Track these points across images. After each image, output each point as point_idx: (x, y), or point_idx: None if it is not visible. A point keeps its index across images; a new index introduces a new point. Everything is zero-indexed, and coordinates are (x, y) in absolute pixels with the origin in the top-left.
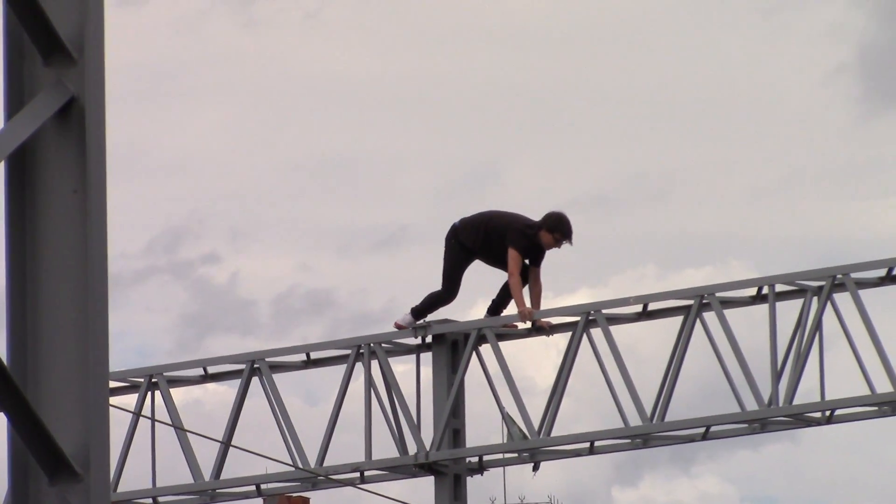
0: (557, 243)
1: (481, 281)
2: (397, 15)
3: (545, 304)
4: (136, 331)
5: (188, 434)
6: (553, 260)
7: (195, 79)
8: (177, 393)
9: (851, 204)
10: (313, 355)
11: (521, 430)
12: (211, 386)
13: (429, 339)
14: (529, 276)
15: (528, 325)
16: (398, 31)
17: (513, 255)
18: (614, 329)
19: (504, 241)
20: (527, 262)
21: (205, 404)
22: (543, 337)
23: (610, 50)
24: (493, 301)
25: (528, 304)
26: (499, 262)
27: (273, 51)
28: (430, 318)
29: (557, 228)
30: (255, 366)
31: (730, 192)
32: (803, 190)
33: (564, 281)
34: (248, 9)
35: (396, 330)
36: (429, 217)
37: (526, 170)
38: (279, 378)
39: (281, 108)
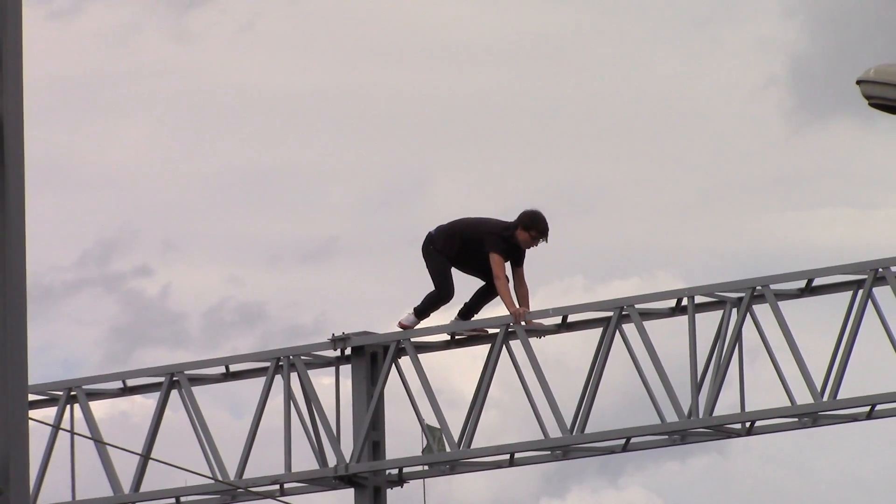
0: (534, 241)
1: (408, 290)
2: (327, 28)
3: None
4: (65, 343)
5: (108, 447)
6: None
7: (126, 91)
8: (103, 405)
9: (778, 216)
10: (233, 368)
11: (440, 440)
12: (138, 399)
13: (348, 351)
14: (514, 277)
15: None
16: (327, 45)
17: (495, 259)
18: (535, 341)
19: (482, 247)
20: (507, 264)
21: (131, 417)
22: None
23: (537, 63)
24: (466, 304)
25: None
26: (476, 269)
27: (204, 63)
28: (344, 330)
29: (533, 226)
30: (175, 378)
31: (657, 205)
32: (731, 202)
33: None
34: (181, 21)
35: (319, 343)
36: (357, 229)
37: (454, 182)
38: (206, 390)
39: (211, 121)
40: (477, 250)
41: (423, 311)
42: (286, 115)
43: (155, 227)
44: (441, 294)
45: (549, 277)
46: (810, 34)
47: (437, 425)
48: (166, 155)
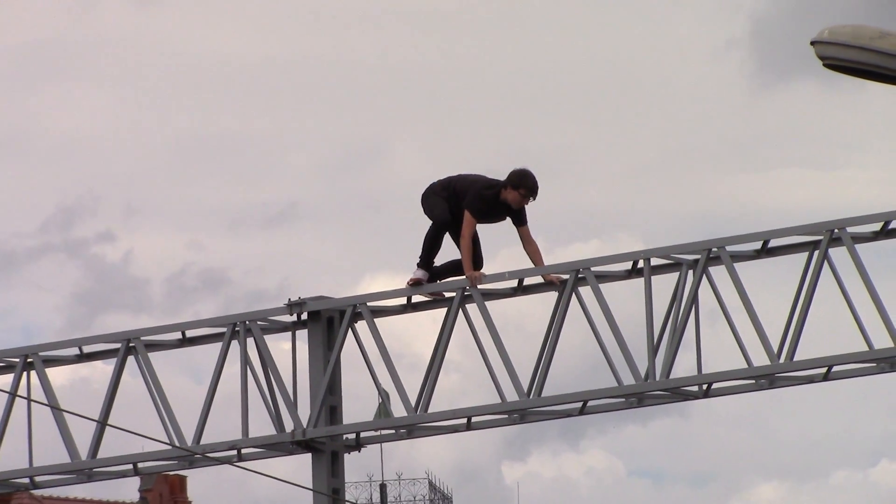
0: (524, 199)
1: (370, 253)
2: None
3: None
4: (26, 310)
5: (66, 414)
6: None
7: (89, 59)
8: (64, 372)
9: (737, 177)
10: (190, 333)
11: (384, 407)
12: (99, 365)
13: (305, 316)
14: (520, 237)
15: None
16: (286, 13)
17: (466, 217)
18: (491, 304)
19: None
20: (513, 225)
21: (92, 383)
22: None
23: (497, 29)
24: (434, 267)
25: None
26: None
27: (166, 32)
28: (306, 295)
29: (522, 184)
30: (131, 345)
31: (618, 168)
32: (691, 164)
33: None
34: None
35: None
36: (317, 194)
37: (413, 147)
38: (167, 356)
39: (172, 88)
40: (462, 206)
41: (426, 259)
42: (247, 82)
43: (117, 193)
44: (437, 222)
45: (508, 241)
46: None
47: (387, 391)
48: (127, 121)
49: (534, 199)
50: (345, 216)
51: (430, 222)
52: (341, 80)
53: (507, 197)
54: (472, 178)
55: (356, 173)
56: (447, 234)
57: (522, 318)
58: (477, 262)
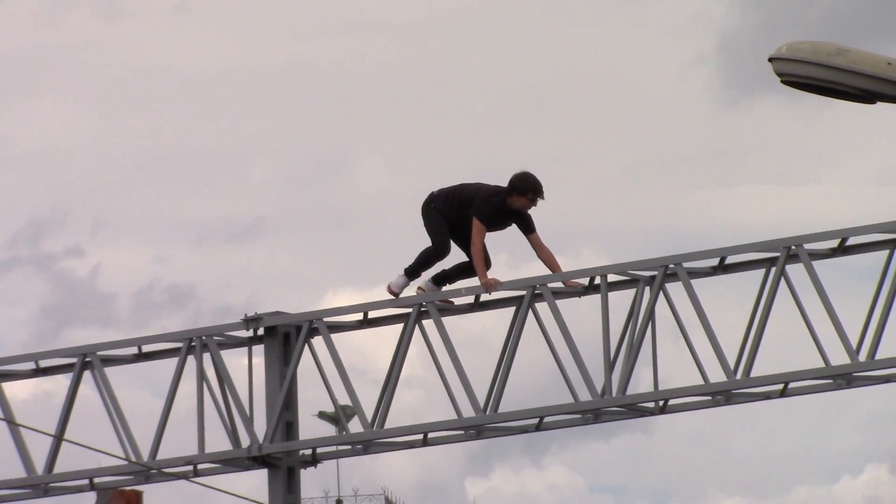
0: (532, 202)
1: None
2: (256, 9)
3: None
4: None
5: (22, 428)
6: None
7: (55, 70)
8: (26, 386)
9: (700, 193)
10: (146, 348)
11: (341, 421)
12: (61, 378)
13: (261, 331)
14: (531, 244)
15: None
16: (252, 25)
17: (475, 224)
18: (448, 320)
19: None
20: (519, 232)
21: (54, 397)
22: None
23: (463, 40)
24: (443, 271)
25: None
26: (466, 237)
27: (132, 45)
28: (262, 310)
29: (528, 188)
30: (87, 359)
31: (584, 182)
32: (656, 179)
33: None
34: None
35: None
36: (283, 208)
37: (376, 159)
38: (125, 370)
39: (139, 101)
40: (467, 212)
41: (414, 270)
42: (212, 95)
43: (85, 207)
44: (437, 249)
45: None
46: (739, 11)
47: (352, 406)
48: (94, 134)
49: (542, 199)
50: (310, 231)
51: (421, 225)
52: (305, 93)
53: (514, 203)
54: (477, 187)
55: (321, 187)
56: (452, 237)
57: (483, 334)
58: (457, 275)
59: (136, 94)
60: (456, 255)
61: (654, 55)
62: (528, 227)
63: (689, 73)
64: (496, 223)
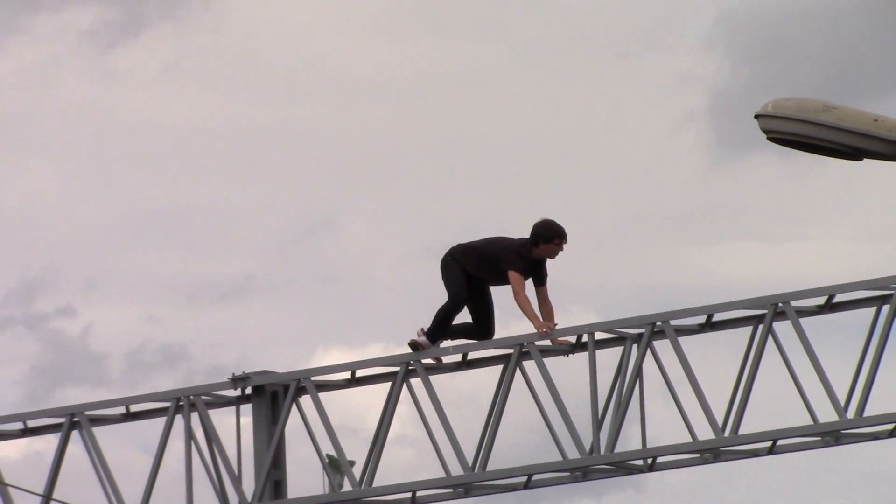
0: (559, 247)
1: (323, 327)
2: (246, 68)
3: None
4: None
5: (11, 489)
6: (403, 307)
7: (46, 130)
8: (18, 446)
9: (688, 250)
10: (134, 408)
11: (341, 477)
12: (52, 438)
13: (249, 390)
14: (538, 296)
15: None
16: (242, 83)
17: (514, 276)
18: (437, 378)
19: (498, 266)
20: (530, 283)
21: (46, 457)
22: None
23: (452, 98)
24: (467, 324)
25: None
26: (483, 311)
27: (123, 104)
28: (249, 370)
29: (554, 235)
30: (76, 419)
31: (573, 239)
32: (645, 236)
33: (401, 328)
34: (104, 60)
35: (214, 385)
36: (272, 266)
37: (365, 218)
38: (115, 429)
39: (128, 160)
40: (493, 267)
41: (435, 331)
42: (202, 153)
43: (77, 266)
44: (454, 302)
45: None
46: (731, 67)
47: (341, 464)
48: (85, 194)
49: (566, 243)
50: (300, 289)
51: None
52: (294, 151)
53: (541, 252)
54: (503, 242)
55: (310, 245)
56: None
57: (472, 392)
58: (488, 330)
59: (126, 152)
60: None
61: (644, 112)
62: (541, 280)
63: (679, 131)
64: (528, 274)
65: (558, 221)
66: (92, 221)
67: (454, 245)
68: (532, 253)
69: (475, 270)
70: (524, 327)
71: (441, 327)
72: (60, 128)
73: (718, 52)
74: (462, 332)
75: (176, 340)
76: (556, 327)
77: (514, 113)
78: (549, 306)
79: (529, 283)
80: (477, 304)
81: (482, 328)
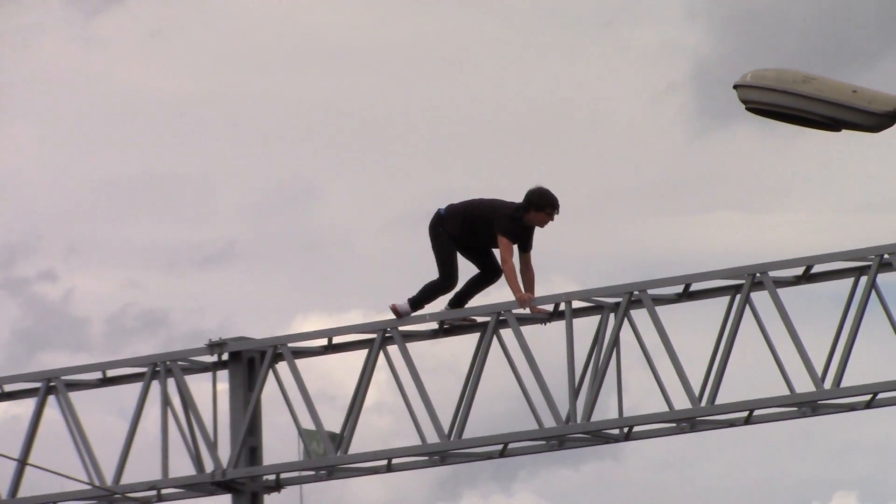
0: (550, 217)
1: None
2: (229, 36)
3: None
4: None
5: None
6: (383, 275)
7: (30, 95)
8: None
9: (668, 220)
10: (111, 373)
11: (319, 446)
12: (29, 402)
13: (226, 356)
14: (521, 262)
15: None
16: (223, 51)
17: (504, 242)
18: (417, 345)
19: (490, 228)
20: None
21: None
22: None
23: (432, 69)
24: (457, 294)
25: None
26: (479, 252)
27: (105, 70)
28: (226, 336)
29: (546, 203)
30: (52, 384)
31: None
32: (626, 206)
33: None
34: (87, 26)
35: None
36: (254, 233)
37: (346, 186)
38: (92, 394)
39: (111, 126)
40: (485, 231)
41: (419, 301)
42: (185, 120)
43: (58, 231)
44: (443, 283)
45: None
46: (713, 38)
47: (318, 432)
48: (67, 159)
49: (558, 214)
50: (280, 256)
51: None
52: (276, 119)
53: (532, 220)
54: (495, 204)
55: (291, 212)
56: (461, 253)
57: (452, 360)
58: (495, 271)
59: (109, 119)
60: (467, 271)
61: (627, 82)
62: (526, 246)
63: (662, 101)
64: (520, 240)
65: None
66: (74, 187)
67: (441, 208)
68: (523, 219)
69: (466, 235)
70: (504, 295)
71: (425, 301)
72: (44, 93)
73: (701, 23)
74: (473, 287)
75: (156, 306)
76: (535, 296)
77: (495, 82)
78: (532, 273)
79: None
80: (474, 254)
81: (487, 272)
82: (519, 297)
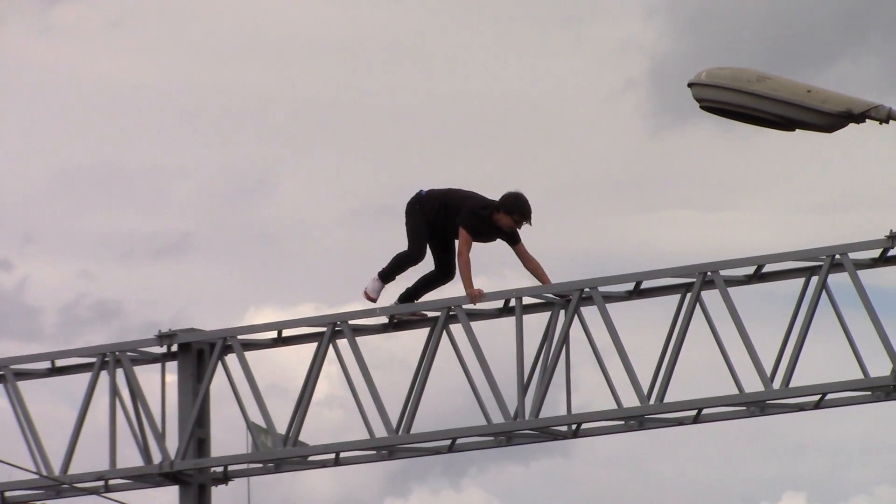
0: (517, 224)
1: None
2: (188, 27)
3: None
4: None
5: None
6: (336, 268)
7: None
8: None
9: (622, 218)
10: (60, 363)
11: (266, 440)
12: None
13: (175, 347)
14: (518, 255)
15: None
16: (181, 43)
17: (462, 234)
18: (369, 339)
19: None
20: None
21: None
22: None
23: (390, 62)
24: (408, 289)
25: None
26: (445, 247)
27: (62, 60)
28: (176, 328)
29: (516, 209)
30: (0, 373)
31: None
32: (580, 203)
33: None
34: (46, 15)
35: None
36: (209, 225)
37: (301, 179)
38: (42, 383)
39: (67, 116)
40: (453, 218)
41: (388, 273)
42: (140, 110)
43: (13, 220)
44: (412, 254)
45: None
46: (672, 36)
47: (265, 425)
48: (23, 148)
49: (528, 224)
50: (235, 248)
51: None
52: (232, 110)
53: (500, 221)
54: (467, 195)
55: (246, 204)
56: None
57: (404, 354)
58: (449, 271)
59: (66, 108)
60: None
61: (584, 79)
62: (513, 239)
63: (619, 98)
64: (482, 235)
65: (505, 190)
66: (30, 176)
67: (423, 190)
68: (492, 217)
69: (439, 220)
70: (456, 290)
71: (394, 272)
72: (1, 83)
73: (660, 21)
74: (425, 285)
75: (111, 297)
76: (485, 291)
77: (454, 77)
78: (534, 262)
79: (504, 245)
80: (438, 246)
81: (443, 271)
82: (470, 293)
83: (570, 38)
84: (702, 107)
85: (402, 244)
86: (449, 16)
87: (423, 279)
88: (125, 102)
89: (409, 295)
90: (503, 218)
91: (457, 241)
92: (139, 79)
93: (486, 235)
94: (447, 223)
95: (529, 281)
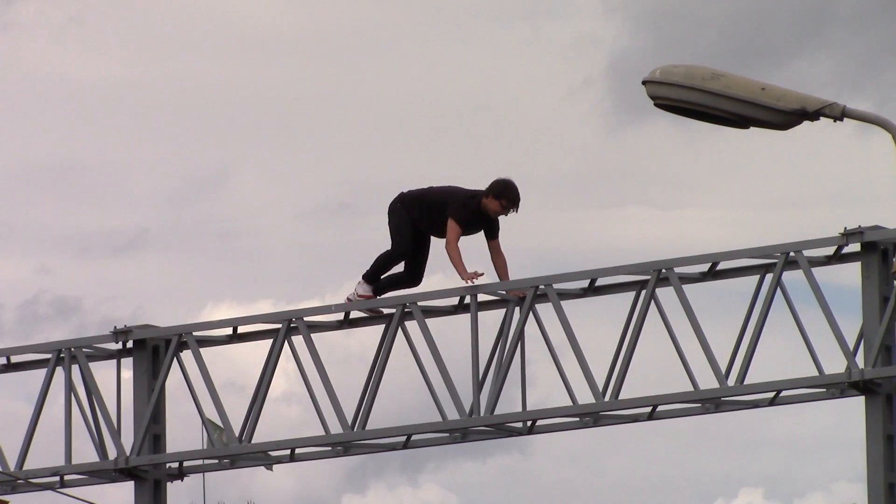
0: (504, 210)
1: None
2: (143, 23)
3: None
4: None
5: None
6: (294, 265)
7: None
8: None
9: (576, 214)
10: (15, 359)
11: (221, 437)
12: None
13: (130, 344)
14: (490, 249)
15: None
16: (136, 37)
17: (451, 225)
18: (325, 336)
19: (443, 214)
20: (484, 236)
21: None
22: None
23: (347, 57)
24: (395, 275)
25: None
26: (420, 251)
27: (15, 54)
28: (136, 324)
29: (504, 195)
30: None
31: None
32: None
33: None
34: (6, 10)
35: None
36: (166, 221)
37: (258, 175)
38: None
39: (21, 112)
40: (439, 215)
41: (373, 275)
42: (99, 106)
43: None
44: (396, 251)
45: (341, 278)
46: (630, 33)
47: (220, 423)
48: None
49: (515, 211)
50: (193, 244)
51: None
52: (190, 106)
53: (487, 206)
54: (450, 189)
55: (204, 201)
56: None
57: (360, 350)
58: (417, 276)
59: (24, 104)
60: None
61: (542, 76)
62: (492, 233)
63: (577, 95)
64: (471, 226)
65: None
66: None
67: (404, 190)
68: (480, 204)
69: (423, 219)
70: (438, 283)
71: (379, 272)
72: None
73: (619, 17)
74: (391, 284)
75: (69, 293)
76: (436, 289)
77: (412, 73)
78: (503, 258)
79: (481, 237)
80: (414, 249)
81: (411, 275)
82: (465, 278)
83: (528, 34)
84: (656, 104)
85: (360, 242)
86: (406, 12)
87: (390, 277)
88: (83, 99)
89: (379, 288)
90: (491, 202)
91: (444, 241)
92: (97, 75)
93: (474, 226)
94: (430, 223)
95: (485, 277)
